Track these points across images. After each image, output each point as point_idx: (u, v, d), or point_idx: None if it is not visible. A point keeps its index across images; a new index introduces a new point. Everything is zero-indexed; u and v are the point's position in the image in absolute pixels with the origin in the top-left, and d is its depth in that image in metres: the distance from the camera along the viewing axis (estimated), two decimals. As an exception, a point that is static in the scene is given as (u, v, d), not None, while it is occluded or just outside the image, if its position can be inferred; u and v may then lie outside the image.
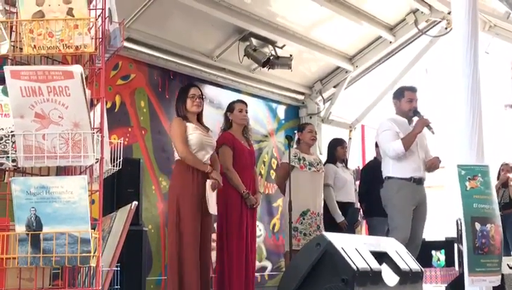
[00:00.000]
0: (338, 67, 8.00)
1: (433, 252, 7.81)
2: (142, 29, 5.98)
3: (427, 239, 6.72)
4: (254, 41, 6.77)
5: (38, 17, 2.46)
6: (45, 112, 2.38)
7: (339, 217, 6.07)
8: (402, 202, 5.06)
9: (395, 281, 3.53)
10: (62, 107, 2.37)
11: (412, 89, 5.32)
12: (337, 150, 6.48)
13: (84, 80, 2.38)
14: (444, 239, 7.87)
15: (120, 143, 2.81)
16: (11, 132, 2.46)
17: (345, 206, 6.20)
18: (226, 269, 4.94)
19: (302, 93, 8.36)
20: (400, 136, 5.09)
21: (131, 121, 6.11)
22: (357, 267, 3.19)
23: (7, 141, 2.48)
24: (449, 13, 6.46)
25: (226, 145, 5.08)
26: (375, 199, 5.53)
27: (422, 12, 7.10)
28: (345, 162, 6.64)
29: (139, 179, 5.17)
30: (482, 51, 5.93)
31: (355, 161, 8.69)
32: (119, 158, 2.80)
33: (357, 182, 6.85)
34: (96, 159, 2.47)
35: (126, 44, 5.71)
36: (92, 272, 2.45)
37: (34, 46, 2.46)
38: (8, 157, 2.47)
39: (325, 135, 7.97)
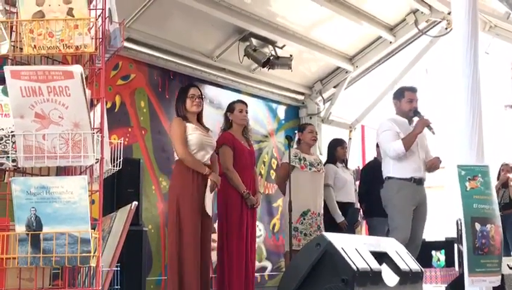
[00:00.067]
0: (338, 68, 8.00)
1: (433, 252, 7.81)
2: (142, 29, 5.98)
3: (427, 239, 6.72)
4: (254, 41, 6.77)
5: (39, 17, 2.46)
6: (45, 112, 2.38)
7: (339, 217, 6.07)
8: (402, 202, 5.06)
9: (395, 281, 3.53)
10: (62, 107, 2.37)
11: (412, 89, 5.31)
12: (337, 150, 6.48)
13: (84, 80, 2.38)
14: (444, 239, 7.86)
15: (120, 143, 2.80)
16: (11, 132, 2.46)
17: (345, 207, 6.20)
18: (226, 269, 4.94)
19: (302, 94, 8.36)
20: (400, 137, 5.09)
21: (131, 121, 6.10)
22: (357, 267, 3.18)
23: (7, 141, 2.48)
24: (449, 13, 6.46)
25: (226, 145, 5.08)
26: (375, 199, 5.53)
27: (422, 13, 7.10)
28: (345, 162, 6.64)
29: (139, 179, 5.17)
30: (482, 51, 5.95)
31: (355, 161, 8.69)
32: (119, 158, 2.79)
33: (357, 182, 6.86)
34: (96, 159, 2.47)
35: (126, 44, 5.71)
36: (92, 272, 2.45)
37: (34, 46, 2.46)
38: (8, 157, 2.47)
39: (325, 135, 7.96)
